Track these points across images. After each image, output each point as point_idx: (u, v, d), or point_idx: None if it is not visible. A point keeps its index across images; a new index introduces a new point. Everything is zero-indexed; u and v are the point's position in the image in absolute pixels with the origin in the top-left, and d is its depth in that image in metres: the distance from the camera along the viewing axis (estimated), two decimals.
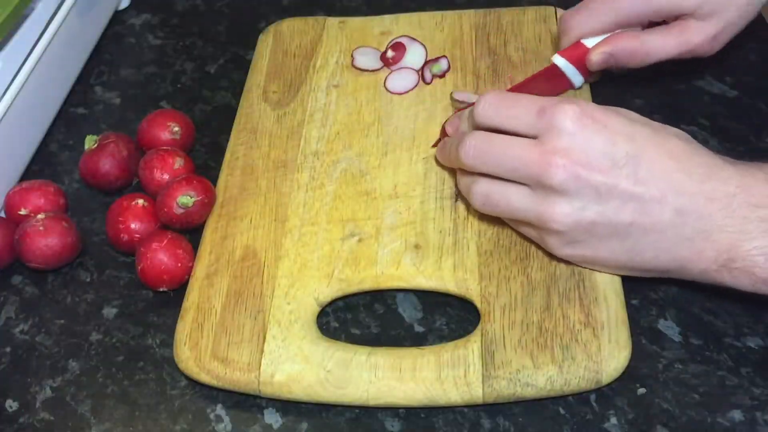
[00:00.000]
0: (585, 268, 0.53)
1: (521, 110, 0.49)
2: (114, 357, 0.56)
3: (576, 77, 0.63)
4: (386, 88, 0.67)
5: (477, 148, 0.51)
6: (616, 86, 0.69)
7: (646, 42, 0.59)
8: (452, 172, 0.59)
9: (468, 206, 0.57)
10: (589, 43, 0.61)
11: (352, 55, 0.69)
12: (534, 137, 0.49)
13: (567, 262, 0.53)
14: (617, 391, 0.51)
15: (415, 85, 0.66)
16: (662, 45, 0.58)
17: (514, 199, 0.50)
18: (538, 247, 0.54)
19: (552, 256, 0.54)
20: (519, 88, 0.63)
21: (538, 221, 0.50)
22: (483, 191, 0.52)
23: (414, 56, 0.68)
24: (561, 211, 0.48)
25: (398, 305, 0.56)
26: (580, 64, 0.62)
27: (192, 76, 0.75)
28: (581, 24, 0.61)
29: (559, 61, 0.62)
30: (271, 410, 0.52)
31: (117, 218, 0.59)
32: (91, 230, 0.63)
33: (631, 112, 0.50)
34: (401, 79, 0.67)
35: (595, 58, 0.59)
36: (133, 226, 0.59)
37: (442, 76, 0.67)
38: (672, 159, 0.48)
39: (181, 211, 0.57)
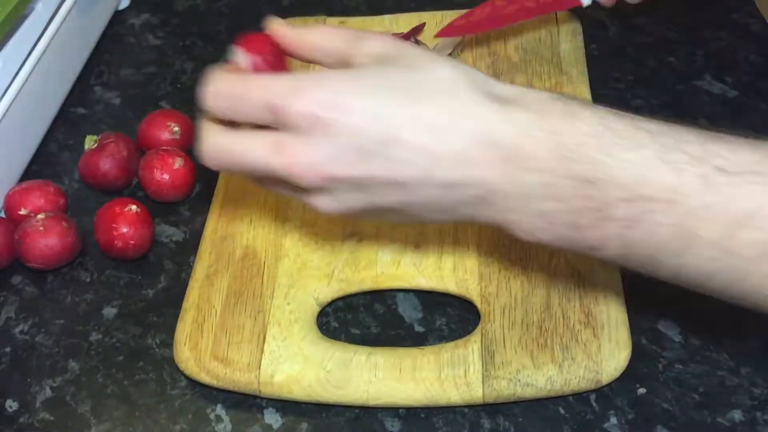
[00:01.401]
0: (583, 266, 0.53)
1: (250, 106, 0.42)
2: (114, 357, 0.56)
3: None
4: None
5: (215, 154, 0.44)
6: (616, 87, 0.69)
7: None
8: None
9: None
10: None
11: None
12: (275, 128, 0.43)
13: (567, 262, 0.53)
14: (617, 391, 0.51)
15: None
16: None
17: (281, 190, 0.45)
18: (539, 246, 0.54)
19: (552, 256, 0.54)
20: None
21: (306, 205, 0.45)
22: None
23: None
24: (324, 203, 0.44)
25: (398, 305, 0.56)
26: None
27: (192, 76, 0.75)
28: None
29: None
30: (271, 410, 0.52)
31: (110, 224, 0.59)
32: (91, 230, 0.63)
33: (385, 73, 0.43)
34: None
35: None
36: (126, 231, 0.59)
37: None
38: (428, 132, 0.41)
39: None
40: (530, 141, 0.40)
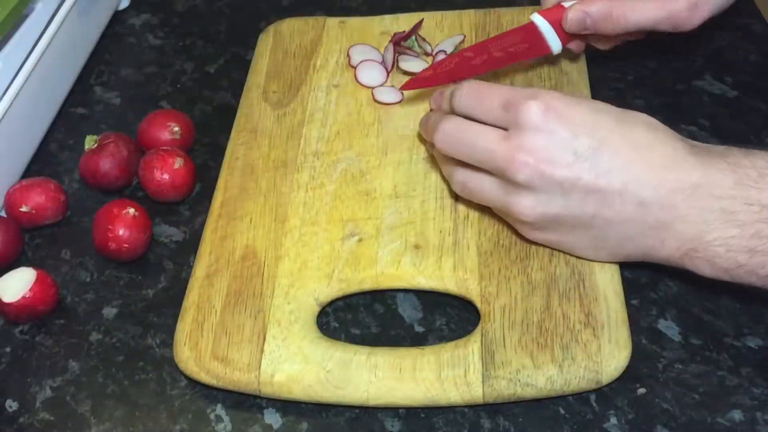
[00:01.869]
0: (583, 266, 0.53)
1: (491, 103, 0.50)
2: (114, 357, 0.56)
3: (554, 41, 0.61)
4: (375, 100, 0.66)
5: (450, 135, 0.52)
6: (616, 87, 0.69)
7: (625, 3, 0.57)
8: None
9: (468, 206, 0.57)
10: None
11: (348, 54, 0.69)
12: (504, 128, 0.50)
13: (567, 262, 0.53)
14: (617, 391, 0.51)
15: (401, 99, 0.66)
16: (640, 8, 0.57)
17: (486, 189, 0.52)
18: (538, 246, 0.54)
19: (552, 256, 0.54)
20: (495, 42, 0.61)
21: (507, 212, 0.51)
22: (461, 179, 0.53)
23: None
24: (527, 205, 0.50)
25: (398, 305, 0.56)
26: (560, 27, 0.60)
27: (192, 76, 0.75)
28: None
29: (537, 19, 0.60)
30: (271, 410, 0.52)
31: (106, 225, 0.59)
32: (91, 230, 0.63)
33: (600, 103, 0.51)
34: (388, 91, 0.67)
35: (571, 15, 0.58)
36: (121, 233, 0.58)
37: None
38: (634, 150, 0.48)
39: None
40: (716, 172, 0.47)
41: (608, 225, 0.49)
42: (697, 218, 0.47)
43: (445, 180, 0.59)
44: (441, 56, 0.67)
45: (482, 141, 0.50)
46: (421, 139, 0.62)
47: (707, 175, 0.47)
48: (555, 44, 0.61)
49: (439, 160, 0.57)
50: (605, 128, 0.48)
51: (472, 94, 0.52)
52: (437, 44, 0.69)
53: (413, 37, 0.69)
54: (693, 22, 0.58)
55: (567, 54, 0.66)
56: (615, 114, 0.50)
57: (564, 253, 0.54)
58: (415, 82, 0.61)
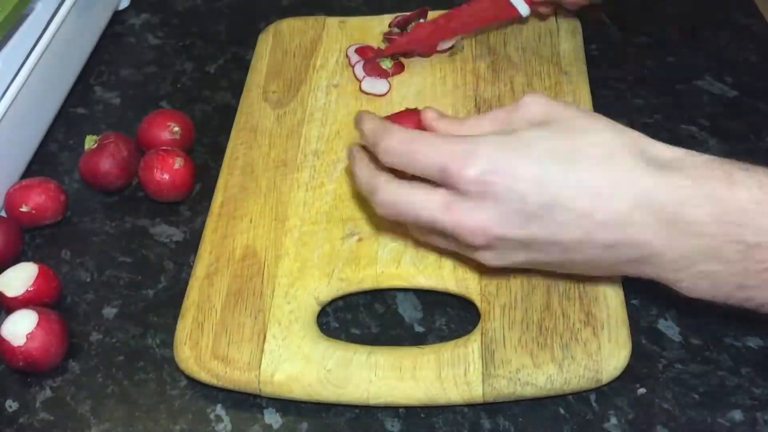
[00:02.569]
0: None
1: (424, 165, 0.46)
2: (114, 357, 0.56)
3: (521, 4, 0.62)
4: (362, 90, 0.67)
5: (389, 207, 0.48)
6: (616, 87, 0.69)
7: None
8: None
9: None
10: None
11: (347, 55, 0.69)
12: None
13: None
14: (617, 391, 0.51)
15: (388, 91, 0.67)
16: None
17: (444, 246, 0.50)
18: None
19: None
20: (466, 8, 0.63)
21: (464, 245, 0.47)
22: (416, 236, 0.52)
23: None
24: (489, 258, 0.47)
25: (398, 305, 0.56)
26: None
27: (192, 76, 0.75)
28: None
29: None
30: (271, 410, 0.52)
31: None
32: (91, 230, 0.63)
33: (544, 132, 0.45)
34: (376, 83, 0.67)
35: None
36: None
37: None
38: (591, 197, 0.43)
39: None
40: (691, 208, 0.42)
41: (579, 264, 0.46)
42: (675, 255, 0.43)
43: None
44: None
45: (426, 213, 0.46)
46: None
47: (681, 210, 0.42)
48: (522, 7, 0.63)
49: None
50: (555, 179, 0.43)
51: (399, 152, 0.46)
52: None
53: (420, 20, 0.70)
54: None
55: (538, 17, 0.68)
56: (563, 150, 0.44)
57: None
58: (393, 47, 0.65)
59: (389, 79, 0.67)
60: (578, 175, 0.44)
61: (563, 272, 0.50)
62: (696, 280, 0.44)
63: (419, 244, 0.54)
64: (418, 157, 0.46)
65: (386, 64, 0.67)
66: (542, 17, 0.68)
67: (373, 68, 0.67)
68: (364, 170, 0.50)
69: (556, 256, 0.46)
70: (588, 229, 0.44)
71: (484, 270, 0.54)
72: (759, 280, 0.43)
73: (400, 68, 0.68)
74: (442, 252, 0.54)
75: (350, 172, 0.53)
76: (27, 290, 0.56)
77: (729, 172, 0.43)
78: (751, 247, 0.42)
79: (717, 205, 0.42)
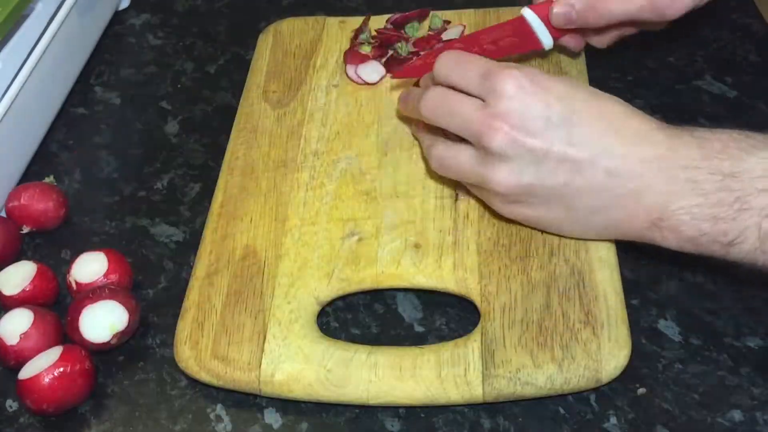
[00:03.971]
0: (583, 265, 0.53)
1: (471, 72, 0.52)
2: (114, 357, 0.56)
3: (545, 36, 0.61)
4: (359, 76, 0.67)
5: (433, 101, 0.54)
6: (616, 87, 0.69)
7: None
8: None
9: (468, 205, 0.57)
10: None
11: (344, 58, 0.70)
12: (483, 99, 0.51)
13: (567, 261, 0.53)
14: (617, 391, 0.51)
15: (382, 77, 0.67)
16: None
17: (462, 161, 0.53)
18: (538, 246, 0.54)
19: (552, 255, 0.54)
20: (486, 34, 0.62)
21: (482, 182, 0.52)
22: (438, 154, 0.55)
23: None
24: (501, 175, 0.51)
25: (398, 305, 0.56)
26: (550, 22, 0.60)
27: (192, 76, 0.75)
28: None
29: (527, 14, 0.60)
30: (271, 410, 0.52)
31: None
32: (91, 230, 0.63)
33: (578, 81, 0.52)
34: (371, 70, 0.67)
35: (556, 9, 0.59)
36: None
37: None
38: (605, 121, 0.50)
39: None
40: (682, 145, 0.49)
41: (579, 195, 0.50)
42: (664, 188, 0.48)
43: (445, 180, 0.59)
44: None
45: (461, 107, 0.52)
46: (400, 117, 0.63)
47: (674, 148, 0.48)
48: (546, 39, 0.61)
49: (420, 137, 0.59)
50: (579, 101, 0.50)
51: (452, 63, 0.54)
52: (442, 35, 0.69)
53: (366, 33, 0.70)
54: (675, 9, 0.58)
55: (566, 52, 0.66)
56: (590, 90, 0.52)
57: (564, 252, 0.54)
58: (406, 71, 0.63)
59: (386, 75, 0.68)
60: (597, 102, 0.51)
61: (558, 220, 0.53)
62: (678, 216, 0.48)
63: (439, 170, 0.55)
64: (466, 62, 0.53)
65: (365, 49, 0.68)
66: (571, 52, 0.66)
67: (354, 57, 0.68)
68: (416, 89, 0.58)
69: (561, 179, 0.50)
70: (597, 151, 0.49)
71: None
72: (731, 211, 0.47)
73: (381, 52, 0.68)
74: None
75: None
76: (24, 289, 0.56)
77: (713, 128, 0.50)
78: (727, 176, 0.47)
79: (704, 144, 0.48)
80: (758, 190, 0.46)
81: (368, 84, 0.67)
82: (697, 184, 0.47)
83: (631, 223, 0.50)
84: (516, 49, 0.62)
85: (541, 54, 0.65)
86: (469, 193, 0.57)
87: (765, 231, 0.46)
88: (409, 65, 0.62)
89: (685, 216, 0.48)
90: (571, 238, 0.54)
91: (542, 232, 0.55)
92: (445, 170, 0.55)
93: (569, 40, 0.64)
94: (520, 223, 0.55)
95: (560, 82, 0.51)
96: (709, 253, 0.48)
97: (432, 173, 0.60)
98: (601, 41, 0.64)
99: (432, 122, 0.54)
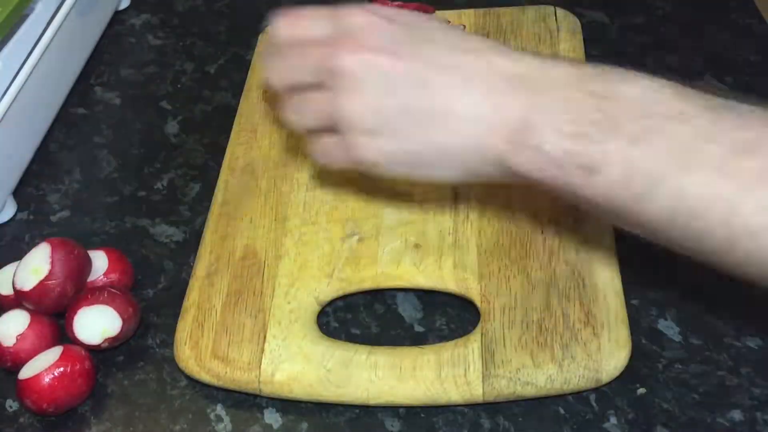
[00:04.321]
0: (583, 265, 0.53)
1: (318, 21, 0.49)
2: (114, 357, 0.56)
3: None
4: None
5: (280, 66, 0.50)
6: None
7: None
8: None
9: (468, 205, 0.57)
10: None
11: None
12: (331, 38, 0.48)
13: (567, 261, 0.53)
14: (617, 391, 0.51)
15: None
16: None
17: (324, 110, 0.49)
18: (538, 246, 0.54)
19: (552, 255, 0.54)
20: None
21: (338, 117, 0.48)
22: (317, 145, 0.51)
23: None
24: (353, 100, 0.47)
25: (398, 305, 0.56)
26: None
27: (192, 76, 0.75)
28: None
29: None
30: (271, 410, 0.52)
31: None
32: (91, 230, 0.63)
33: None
34: None
35: None
36: None
37: None
38: (461, 42, 0.47)
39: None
40: (556, 68, 0.44)
41: (433, 113, 0.46)
42: (528, 101, 0.44)
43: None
44: None
45: (310, 51, 0.48)
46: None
47: (544, 69, 0.45)
48: None
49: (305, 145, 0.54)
50: (428, 29, 0.48)
51: (292, 20, 0.50)
52: None
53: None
54: None
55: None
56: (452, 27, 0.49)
57: (564, 252, 0.53)
58: None
59: None
60: (459, 33, 0.48)
61: (416, 152, 0.48)
62: (542, 132, 0.43)
63: (325, 158, 0.51)
64: (312, 17, 0.49)
65: None
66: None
67: None
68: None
69: (414, 95, 0.46)
70: (452, 65, 0.45)
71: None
72: (600, 134, 0.42)
73: None
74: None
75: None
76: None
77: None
78: (602, 98, 0.42)
79: (579, 67, 0.44)
80: (631, 114, 0.41)
81: None
82: (567, 101, 0.43)
83: (488, 141, 0.45)
84: None
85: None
86: (474, 195, 0.57)
87: (629, 160, 0.41)
88: None
89: (549, 131, 0.43)
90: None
91: (542, 232, 0.55)
92: (327, 153, 0.50)
93: None
94: (520, 224, 0.55)
95: (416, 16, 0.48)
96: (568, 186, 0.43)
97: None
98: None
99: (285, 83, 0.50)
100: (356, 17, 0.47)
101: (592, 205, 0.43)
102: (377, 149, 0.48)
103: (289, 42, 0.50)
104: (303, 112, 0.50)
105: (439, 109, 0.46)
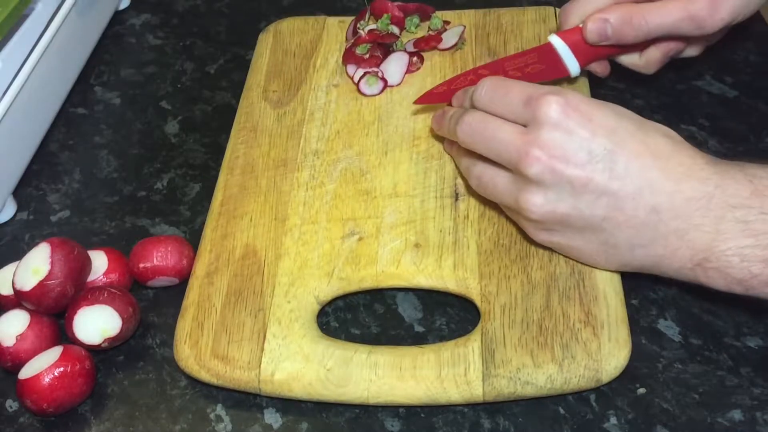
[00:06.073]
0: (583, 265, 0.53)
1: (512, 98, 0.50)
2: (114, 357, 0.56)
3: (572, 63, 0.60)
4: (360, 92, 0.67)
5: (472, 127, 0.52)
6: (616, 87, 0.69)
7: (644, 7, 0.57)
8: (453, 170, 0.60)
9: (468, 205, 0.57)
10: None
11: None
12: (524, 125, 0.50)
13: (567, 261, 0.53)
14: (617, 391, 0.51)
15: (383, 89, 0.67)
16: (660, 11, 0.56)
17: (500, 184, 0.52)
18: (538, 246, 0.54)
19: (552, 255, 0.54)
20: (511, 61, 0.61)
21: (516, 207, 0.51)
22: (477, 173, 0.54)
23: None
24: (535, 202, 0.49)
25: (398, 305, 0.56)
26: (578, 49, 0.59)
27: (192, 76, 0.75)
28: (581, 8, 0.59)
29: (554, 40, 0.59)
30: (271, 410, 0.52)
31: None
32: (91, 230, 0.63)
33: (623, 109, 0.50)
34: (371, 83, 0.67)
35: (591, 25, 0.57)
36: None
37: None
38: (651, 156, 0.48)
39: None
40: (732, 182, 0.46)
41: (618, 230, 0.48)
42: (712, 227, 0.46)
43: (455, 176, 0.59)
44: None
45: (501, 133, 0.50)
46: (434, 135, 0.62)
47: (723, 185, 0.46)
48: (573, 66, 0.60)
49: (456, 155, 0.58)
50: (625, 132, 0.48)
51: (494, 88, 0.52)
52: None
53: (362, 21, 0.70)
54: (714, 20, 0.56)
55: (593, 77, 0.64)
56: (636, 121, 0.49)
57: (575, 259, 0.53)
58: (428, 97, 0.62)
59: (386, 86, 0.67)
60: (645, 135, 0.48)
61: (591, 254, 0.51)
62: (727, 258, 0.46)
63: (477, 189, 0.55)
64: (508, 89, 0.51)
65: (361, 50, 0.68)
66: (598, 76, 0.64)
67: (351, 57, 0.68)
68: (452, 110, 0.57)
69: (600, 212, 0.48)
70: (641, 185, 0.47)
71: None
72: None
73: (377, 61, 0.68)
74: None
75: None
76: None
77: (763, 164, 0.48)
78: None
79: (754, 182, 0.46)
80: None
81: (367, 95, 0.67)
82: (747, 224, 0.46)
83: (673, 262, 0.48)
84: (542, 75, 0.60)
85: (567, 81, 0.64)
86: (474, 194, 0.57)
87: None
88: (432, 91, 0.61)
89: (734, 258, 0.46)
90: (606, 270, 0.53)
91: None
92: (483, 190, 0.54)
93: (596, 66, 0.62)
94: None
95: (604, 109, 0.49)
96: (759, 295, 0.47)
97: (432, 173, 0.60)
98: (647, 66, 0.62)
99: (469, 147, 0.53)
100: (551, 111, 0.48)
101: None
102: (549, 240, 0.52)
103: (486, 107, 0.52)
104: (485, 182, 0.53)
105: (622, 228, 0.48)
